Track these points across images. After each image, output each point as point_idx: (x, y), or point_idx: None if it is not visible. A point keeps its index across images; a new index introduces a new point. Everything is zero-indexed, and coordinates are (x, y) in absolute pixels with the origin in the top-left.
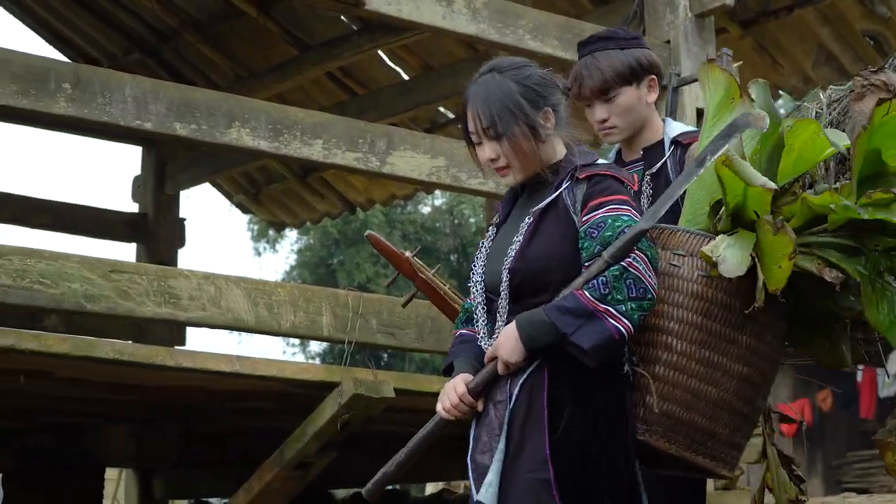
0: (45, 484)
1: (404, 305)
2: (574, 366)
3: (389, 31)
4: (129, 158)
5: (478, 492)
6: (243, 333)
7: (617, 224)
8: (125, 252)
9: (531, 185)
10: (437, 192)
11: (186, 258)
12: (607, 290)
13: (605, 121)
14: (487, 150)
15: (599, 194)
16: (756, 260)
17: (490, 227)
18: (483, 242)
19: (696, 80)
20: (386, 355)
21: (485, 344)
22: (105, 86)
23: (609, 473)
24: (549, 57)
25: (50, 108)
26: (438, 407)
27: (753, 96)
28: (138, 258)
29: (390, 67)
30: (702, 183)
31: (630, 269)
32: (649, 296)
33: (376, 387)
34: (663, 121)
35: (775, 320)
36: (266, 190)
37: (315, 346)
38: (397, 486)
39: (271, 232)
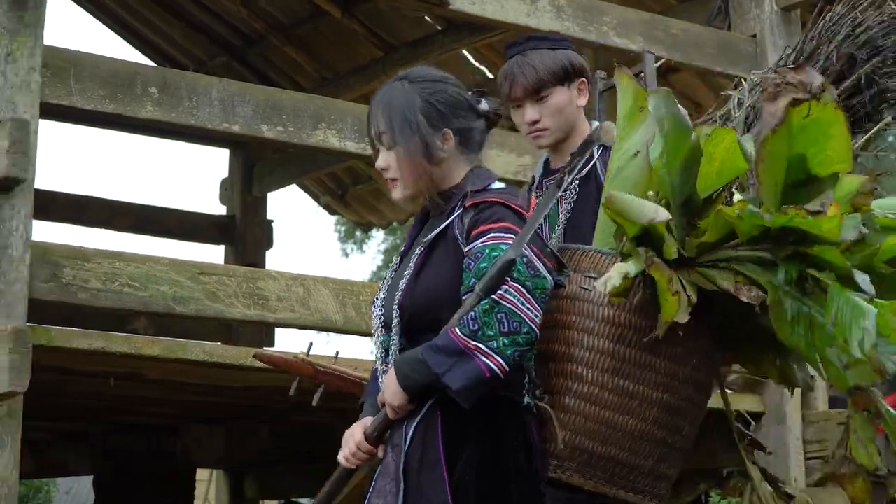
0: (136, 486)
1: (315, 404)
2: None
3: (474, 30)
4: (216, 161)
5: None
6: (332, 334)
7: (494, 254)
8: (213, 254)
9: (434, 211)
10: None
11: (274, 260)
12: (477, 326)
13: (535, 122)
14: (380, 159)
15: (483, 222)
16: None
17: (395, 256)
18: (386, 272)
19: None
20: None
21: (381, 382)
22: (192, 89)
23: None
24: (634, 53)
25: (137, 112)
26: (339, 455)
27: (651, 106)
28: (226, 260)
29: (475, 66)
30: (618, 189)
31: (501, 301)
32: (525, 329)
33: None
34: (590, 125)
35: (701, 343)
36: (353, 191)
37: None
38: None
39: (358, 233)
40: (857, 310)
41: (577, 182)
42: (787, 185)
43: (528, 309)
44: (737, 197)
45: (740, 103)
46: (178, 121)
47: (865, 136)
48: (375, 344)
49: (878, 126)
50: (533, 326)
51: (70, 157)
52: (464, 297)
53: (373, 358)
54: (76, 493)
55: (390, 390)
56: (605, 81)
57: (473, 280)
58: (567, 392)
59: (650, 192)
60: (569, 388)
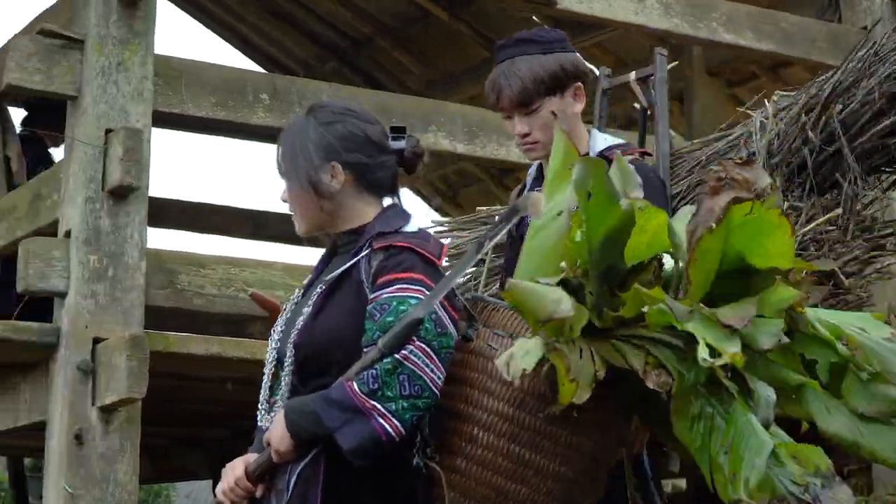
0: None
1: None
2: None
3: (582, 29)
4: None
5: None
6: None
7: (402, 308)
8: None
9: (341, 248)
10: None
11: None
12: (377, 386)
13: (526, 135)
14: (282, 190)
15: (391, 270)
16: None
17: (297, 289)
18: (286, 305)
19: (628, 81)
20: None
21: (261, 419)
22: (302, 95)
23: None
24: (745, 49)
25: (248, 118)
26: (217, 488)
27: (574, 175)
28: None
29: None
30: (530, 254)
31: (405, 363)
32: (426, 393)
33: None
34: (589, 132)
35: (607, 416)
36: (464, 192)
37: None
38: None
39: None
40: (755, 442)
41: None
42: (721, 274)
43: (432, 371)
44: (667, 263)
45: (762, 126)
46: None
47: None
48: (265, 375)
49: None
50: (434, 390)
51: (183, 165)
52: (365, 349)
53: None
54: (196, 496)
55: (277, 434)
56: (609, 80)
57: (378, 333)
58: (461, 453)
59: (563, 264)
60: (463, 449)
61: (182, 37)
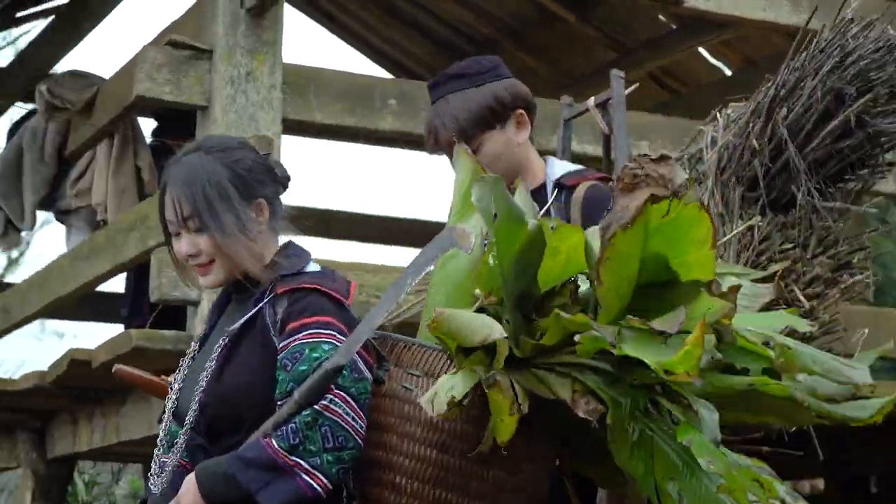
0: None
1: None
2: None
3: (710, 27)
4: None
5: None
6: None
7: (315, 356)
8: None
9: (239, 292)
10: None
11: None
12: (298, 440)
13: None
14: (186, 244)
15: (299, 315)
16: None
17: (193, 342)
18: (183, 360)
19: (587, 111)
20: None
21: (153, 483)
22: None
23: None
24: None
25: (377, 124)
26: None
27: (475, 197)
28: None
29: (712, 64)
30: (439, 286)
31: (326, 413)
32: (351, 444)
33: None
34: (545, 160)
35: (535, 448)
36: None
37: None
38: None
39: None
40: (702, 476)
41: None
42: (641, 286)
43: (354, 419)
44: (583, 285)
45: (714, 141)
46: (418, 130)
47: (858, 187)
48: (161, 430)
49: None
50: (358, 440)
51: (313, 172)
52: (279, 402)
53: None
54: None
55: (187, 502)
56: (570, 108)
57: (292, 384)
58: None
59: (477, 292)
60: (387, 499)
61: (309, 44)
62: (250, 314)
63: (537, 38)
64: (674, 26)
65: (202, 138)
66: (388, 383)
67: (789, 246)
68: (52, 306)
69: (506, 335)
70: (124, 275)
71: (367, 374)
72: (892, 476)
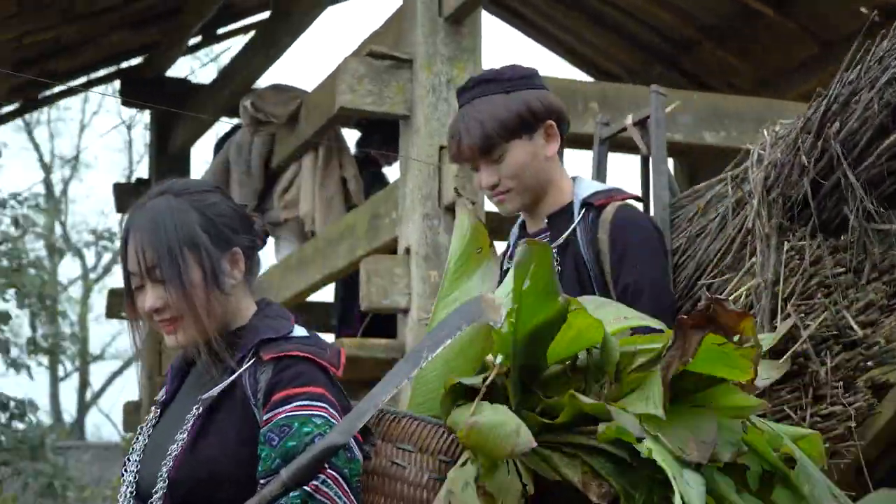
0: None
1: None
2: None
3: None
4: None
5: None
6: None
7: (305, 430)
8: None
9: (208, 353)
10: None
11: None
12: None
13: (495, 186)
14: (150, 298)
15: (287, 385)
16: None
17: (153, 407)
18: (142, 427)
19: (625, 130)
20: None
21: None
22: (632, 101)
23: None
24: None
25: (579, 128)
26: None
27: (518, 257)
28: None
29: None
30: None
31: (317, 495)
32: None
33: None
34: (573, 179)
35: None
36: None
37: None
38: None
39: None
40: None
41: (555, 252)
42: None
43: (346, 503)
44: (581, 355)
45: (760, 159)
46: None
47: None
48: None
49: None
50: None
51: None
52: (261, 480)
53: None
54: None
55: None
56: (607, 128)
57: (278, 461)
58: None
59: (489, 358)
60: None
61: (508, 49)
62: (229, 381)
63: (736, 36)
64: (877, 18)
65: (170, 181)
66: (375, 459)
67: (841, 270)
68: None
69: (534, 444)
70: (333, 284)
71: (359, 454)
72: None
